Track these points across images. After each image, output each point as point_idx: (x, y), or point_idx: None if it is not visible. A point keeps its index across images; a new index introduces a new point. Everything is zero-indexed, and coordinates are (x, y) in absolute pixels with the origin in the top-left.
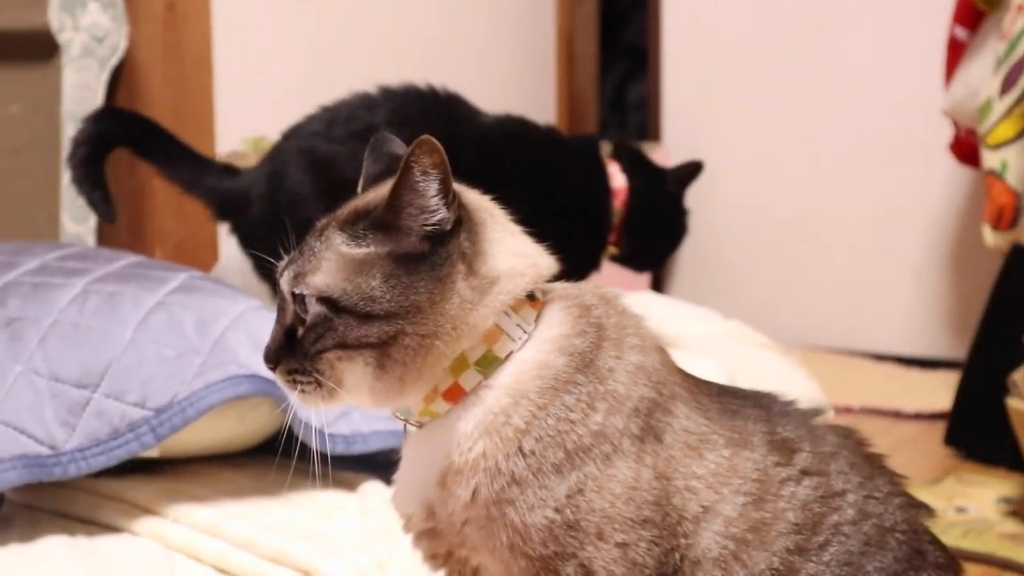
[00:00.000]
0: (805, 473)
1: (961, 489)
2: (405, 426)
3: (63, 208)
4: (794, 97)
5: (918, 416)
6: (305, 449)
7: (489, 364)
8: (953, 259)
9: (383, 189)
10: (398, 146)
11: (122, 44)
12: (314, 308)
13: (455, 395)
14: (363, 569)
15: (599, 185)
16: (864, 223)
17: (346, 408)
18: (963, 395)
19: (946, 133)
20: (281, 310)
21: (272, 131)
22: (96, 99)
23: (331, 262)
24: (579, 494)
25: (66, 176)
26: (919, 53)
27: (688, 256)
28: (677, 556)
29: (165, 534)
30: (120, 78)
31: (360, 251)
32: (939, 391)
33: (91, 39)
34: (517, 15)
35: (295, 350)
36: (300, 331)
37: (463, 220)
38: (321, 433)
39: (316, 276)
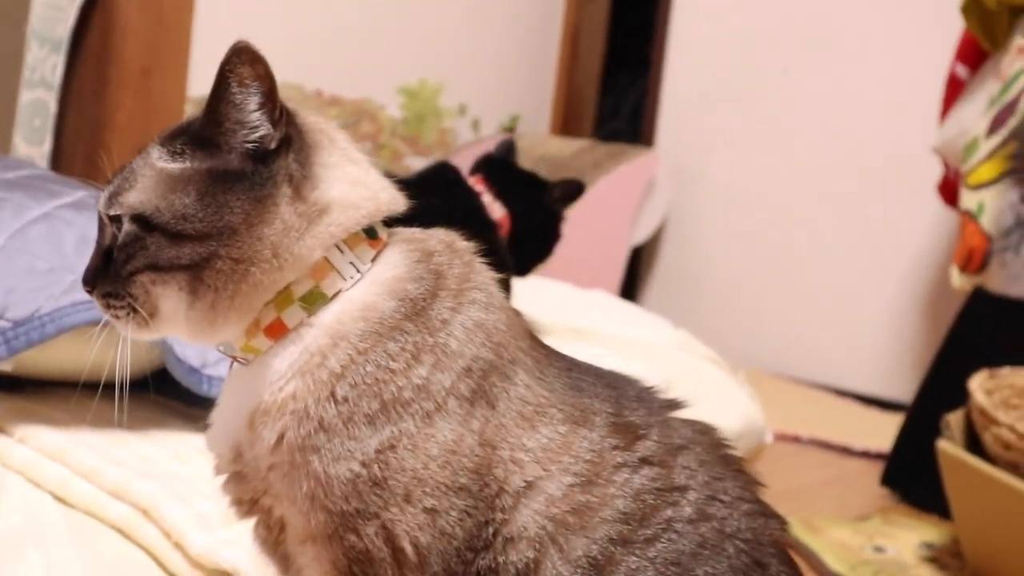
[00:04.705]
0: (645, 462)
1: (885, 529)
2: (232, 364)
3: (16, 128)
4: (788, 127)
5: (865, 454)
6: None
7: (315, 301)
8: (928, 304)
9: None
10: None
11: None
12: (126, 226)
13: (277, 331)
14: (206, 516)
15: (480, 223)
16: (845, 258)
17: None
18: (904, 437)
19: (936, 174)
20: (100, 231)
21: None
22: (67, 22)
23: (147, 178)
24: (390, 450)
25: (24, 95)
26: (917, 93)
27: (662, 272)
28: (491, 530)
29: (6, 453)
30: (95, 4)
31: (176, 166)
32: (893, 433)
33: None
34: (525, 3)
35: (110, 273)
36: (115, 252)
37: (292, 140)
38: (198, 373)
39: (130, 194)
